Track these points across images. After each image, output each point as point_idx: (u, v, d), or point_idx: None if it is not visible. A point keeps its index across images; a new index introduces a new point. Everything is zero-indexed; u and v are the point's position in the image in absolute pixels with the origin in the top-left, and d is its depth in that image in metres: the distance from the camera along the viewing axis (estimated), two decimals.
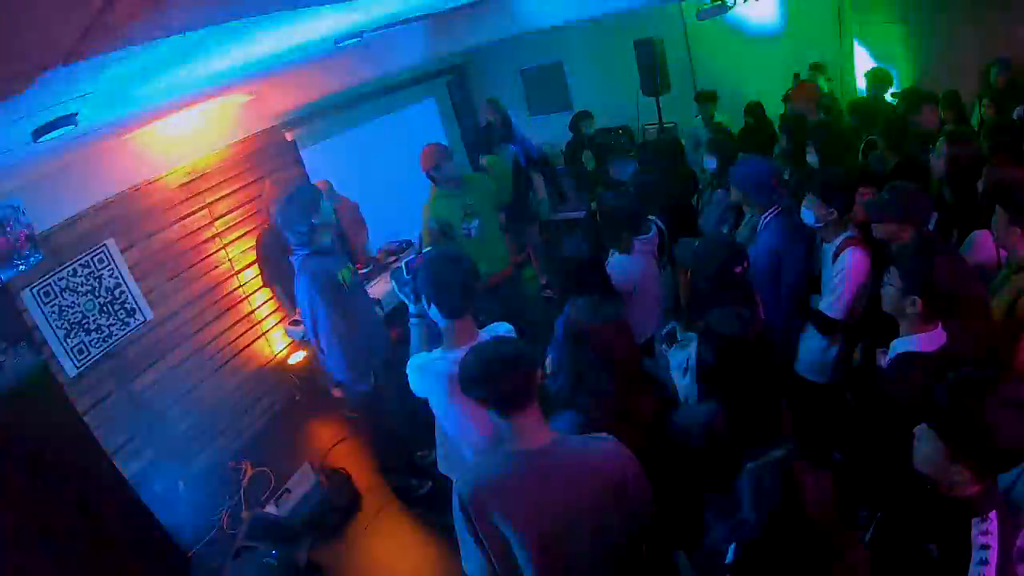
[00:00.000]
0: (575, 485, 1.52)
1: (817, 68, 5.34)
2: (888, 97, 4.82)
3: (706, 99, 5.35)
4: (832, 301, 2.47)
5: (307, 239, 2.96)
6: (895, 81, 4.96)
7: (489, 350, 1.57)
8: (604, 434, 1.63)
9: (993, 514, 1.28)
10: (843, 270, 2.43)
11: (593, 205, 6.03)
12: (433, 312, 2.03)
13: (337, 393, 4.65)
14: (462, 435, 2.11)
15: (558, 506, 1.51)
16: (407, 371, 2.13)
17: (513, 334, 2.12)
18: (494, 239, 3.98)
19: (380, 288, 4.56)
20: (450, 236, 3.62)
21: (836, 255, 2.48)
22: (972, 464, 1.27)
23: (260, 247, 4.38)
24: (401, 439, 3.63)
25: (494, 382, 1.52)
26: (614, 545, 1.59)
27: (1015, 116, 3.77)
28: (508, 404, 1.54)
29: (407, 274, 2.20)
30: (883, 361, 1.96)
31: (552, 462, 1.54)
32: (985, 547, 1.26)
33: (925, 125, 3.68)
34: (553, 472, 1.53)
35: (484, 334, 2.08)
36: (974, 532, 1.28)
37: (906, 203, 2.32)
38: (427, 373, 2.04)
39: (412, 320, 2.24)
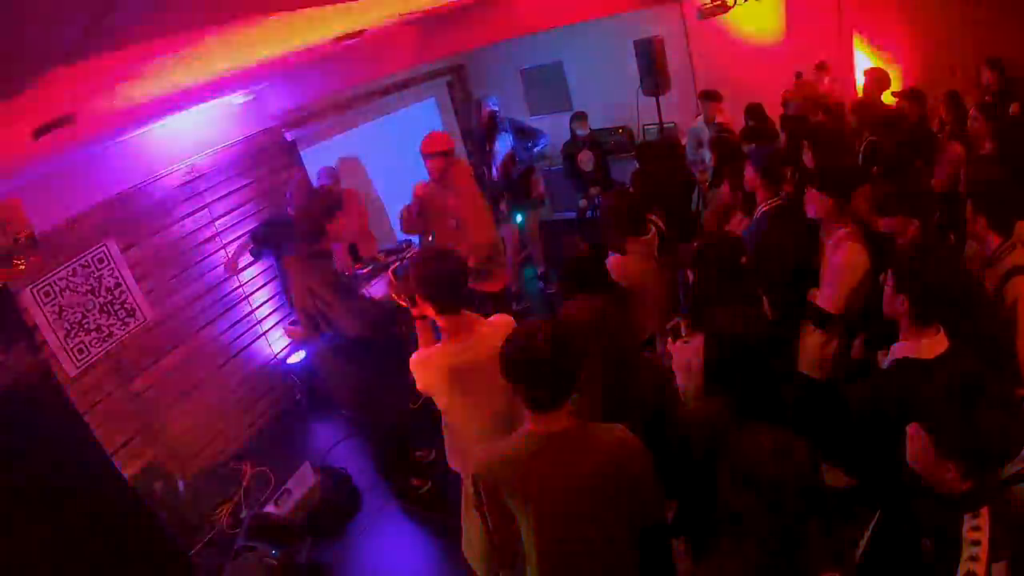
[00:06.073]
0: (584, 470, 1.55)
1: (821, 67, 5.34)
2: (888, 97, 4.82)
3: (709, 99, 5.34)
4: (828, 295, 2.49)
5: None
6: (895, 81, 4.96)
7: (542, 347, 1.49)
8: (618, 424, 1.65)
9: (985, 510, 1.29)
10: (838, 264, 2.45)
11: (582, 203, 6.07)
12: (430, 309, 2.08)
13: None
14: (465, 425, 2.14)
15: (565, 488, 1.54)
16: (411, 368, 2.16)
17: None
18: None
19: (381, 288, 4.56)
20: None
21: (834, 249, 2.50)
22: (960, 462, 1.29)
23: None
24: (401, 439, 3.63)
25: (538, 380, 1.51)
26: (618, 534, 1.61)
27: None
28: (544, 403, 1.55)
29: (398, 279, 2.29)
30: (884, 362, 1.95)
31: (566, 446, 1.56)
32: (976, 543, 1.27)
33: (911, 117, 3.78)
34: (565, 455, 1.56)
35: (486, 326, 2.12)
36: (965, 527, 1.29)
37: (909, 197, 2.34)
38: (428, 367, 2.08)
39: (416, 321, 2.29)
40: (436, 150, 3.73)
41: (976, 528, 1.28)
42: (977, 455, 1.29)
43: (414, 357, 2.15)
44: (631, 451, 1.60)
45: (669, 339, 2.39)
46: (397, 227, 5.34)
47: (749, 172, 2.97)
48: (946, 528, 1.32)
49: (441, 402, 2.13)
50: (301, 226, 3.06)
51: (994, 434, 1.26)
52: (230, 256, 4.35)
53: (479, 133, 5.09)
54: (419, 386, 2.16)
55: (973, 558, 1.26)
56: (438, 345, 2.13)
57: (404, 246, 5.12)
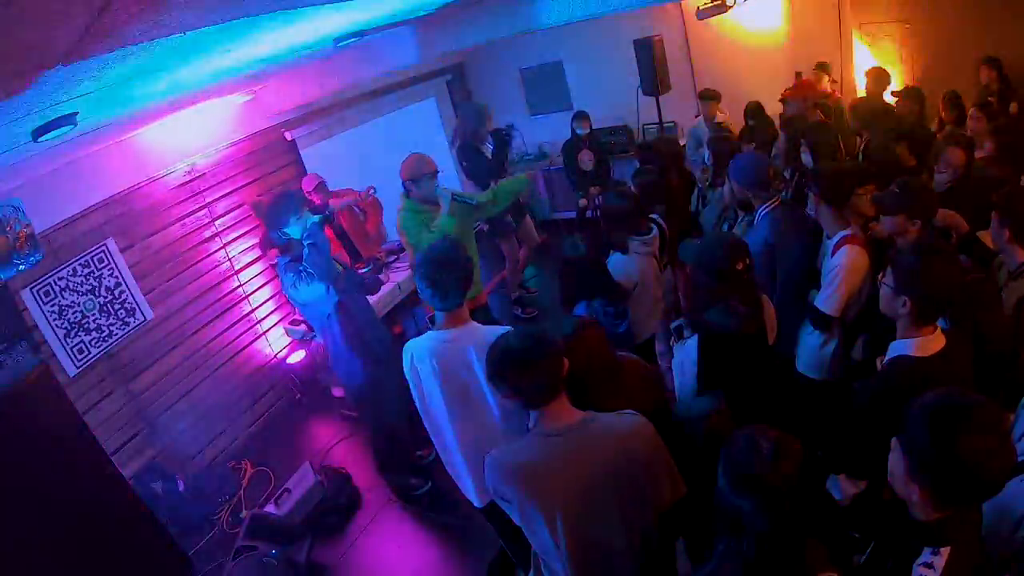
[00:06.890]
0: (600, 459, 1.54)
1: (822, 67, 5.34)
2: (888, 96, 4.82)
3: (709, 98, 5.34)
4: (826, 297, 2.49)
5: (285, 246, 3.04)
6: (895, 81, 4.96)
7: (515, 347, 1.54)
8: (627, 409, 1.64)
9: (947, 550, 1.18)
10: (838, 266, 2.44)
11: (582, 203, 6.05)
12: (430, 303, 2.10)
13: (337, 393, 4.66)
14: (439, 417, 2.16)
15: (587, 483, 1.53)
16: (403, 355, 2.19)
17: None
18: None
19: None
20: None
21: (834, 251, 2.49)
22: (927, 487, 1.19)
23: None
24: (401, 439, 3.63)
25: (521, 380, 1.53)
26: (644, 522, 1.61)
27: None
28: (535, 399, 1.56)
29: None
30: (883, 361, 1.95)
31: (579, 440, 1.56)
32: None
33: (901, 113, 3.84)
34: (581, 450, 1.55)
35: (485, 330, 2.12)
36: (919, 560, 1.19)
37: (914, 198, 2.34)
38: (415, 352, 2.11)
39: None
40: (429, 172, 3.31)
41: (928, 565, 1.17)
42: (947, 486, 1.17)
43: (407, 346, 2.18)
44: (642, 433, 1.60)
45: (673, 338, 2.39)
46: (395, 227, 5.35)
47: (735, 189, 2.94)
48: (906, 553, 1.22)
49: (427, 385, 2.12)
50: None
51: (970, 462, 1.12)
52: None
53: (497, 156, 4.84)
54: (407, 375, 2.16)
55: None
56: (429, 332, 2.16)
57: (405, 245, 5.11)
